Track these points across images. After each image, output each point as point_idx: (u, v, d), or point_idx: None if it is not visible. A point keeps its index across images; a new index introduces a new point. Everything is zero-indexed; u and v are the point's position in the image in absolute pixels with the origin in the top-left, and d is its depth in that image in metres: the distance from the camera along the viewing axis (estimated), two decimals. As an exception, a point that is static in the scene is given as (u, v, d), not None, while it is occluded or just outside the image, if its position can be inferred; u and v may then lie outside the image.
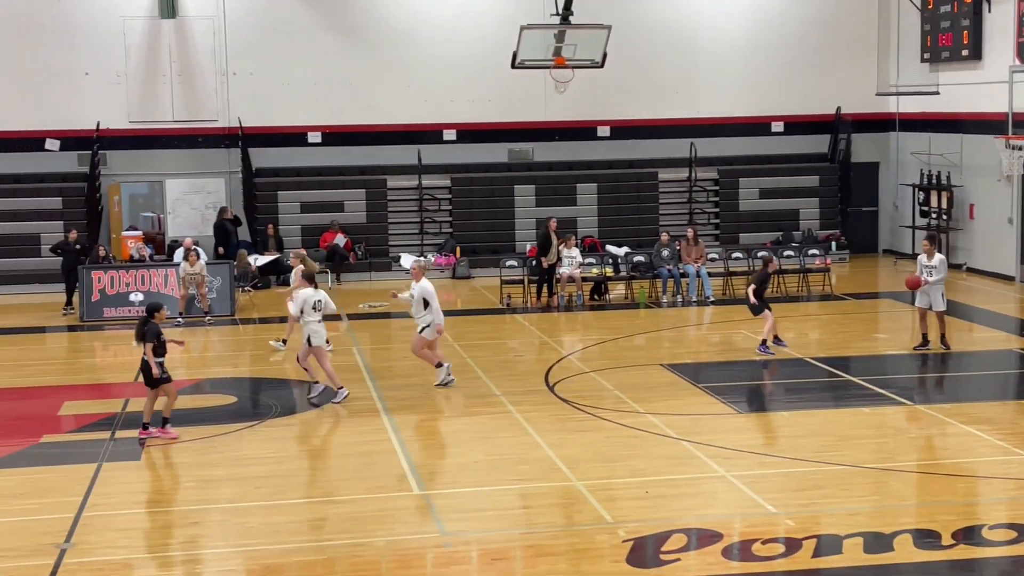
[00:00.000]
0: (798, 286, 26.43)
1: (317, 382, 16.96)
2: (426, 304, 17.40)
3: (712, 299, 25.27)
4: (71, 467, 13.65)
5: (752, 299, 19.69)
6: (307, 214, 31.24)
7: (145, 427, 14.78)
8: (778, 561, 10.50)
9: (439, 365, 17.78)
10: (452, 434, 15.04)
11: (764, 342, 19.57)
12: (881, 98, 32.46)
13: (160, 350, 14.83)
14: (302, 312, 16.90)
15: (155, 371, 14.71)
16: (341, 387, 16.72)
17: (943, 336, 19.56)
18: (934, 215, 30.23)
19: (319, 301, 16.82)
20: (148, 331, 14.82)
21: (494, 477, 13.09)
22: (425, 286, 17.55)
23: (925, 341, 19.60)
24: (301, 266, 20.45)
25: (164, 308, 15.55)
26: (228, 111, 31.07)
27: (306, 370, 17.00)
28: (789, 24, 33.11)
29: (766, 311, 19.73)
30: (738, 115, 32.96)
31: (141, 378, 15.21)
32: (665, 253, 26.26)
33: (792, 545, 10.79)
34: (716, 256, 27.85)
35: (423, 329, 17.47)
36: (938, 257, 19.47)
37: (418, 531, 11.34)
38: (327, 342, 17.50)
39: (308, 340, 16.63)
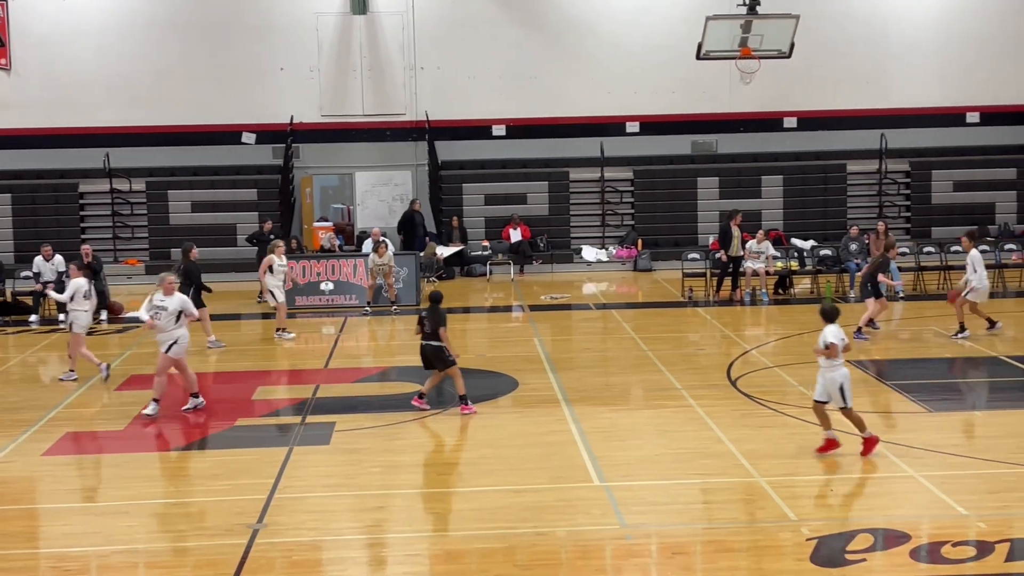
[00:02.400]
0: (993, 282, 25.48)
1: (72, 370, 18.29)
2: (178, 318, 15.89)
3: (902, 294, 24.61)
4: (264, 450, 14.10)
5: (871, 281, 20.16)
6: (490, 206, 31.61)
7: (464, 400, 15.67)
8: (968, 564, 10.18)
9: (193, 395, 16.24)
10: (633, 427, 15.01)
11: (859, 329, 19.86)
12: (1084, 86, 31.11)
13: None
14: (72, 298, 18.19)
15: (453, 354, 15.63)
16: (100, 363, 18.15)
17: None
18: None
19: (87, 291, 18.26)
20: (441, 317, 15.54)
21: (675, 471, 13.03)
22: (182, 300, 16.05)
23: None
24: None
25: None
26: (416, 105, 31.65)
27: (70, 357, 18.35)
28: (984, 9, 32.00)
29: (872, 299, 20.09)
30: (931, 105, 32.04)
31: (423, 363, 15.95)
32: (853, 247, 25.69)
33: (984, 548, 10.44)
34: (907, 250, 27.12)
35: (171, 347, 15.78)
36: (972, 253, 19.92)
37: (599, 523, 11.36)
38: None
39: (71, 326, 18.24)
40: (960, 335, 19.83)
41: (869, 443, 13.15)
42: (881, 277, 20.18)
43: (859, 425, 13.21)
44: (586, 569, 10.26)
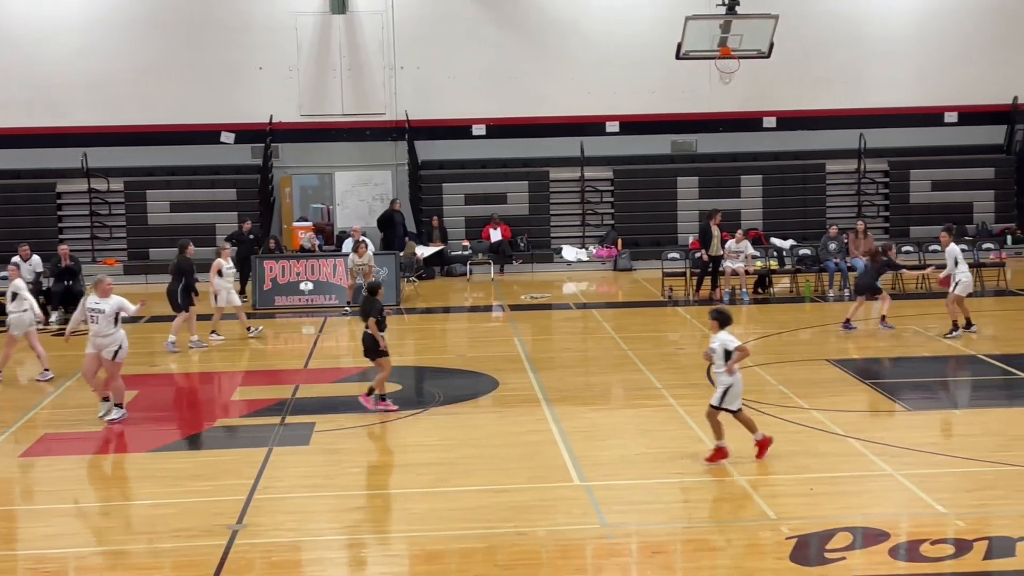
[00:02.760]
0: (972, 281, 25.63)
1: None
2: (116, 320, 15.54)
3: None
4: (243, 451, 14.06)
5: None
6: (471, 206, 31.59)
7: (372, 393, 15.82)
8: (947, 563, 10.22)
9: (105, 399, 15.74)
10: (613, 426, 15.02)
11: (847, 321, 20.82)
12: (1061, 87, 31.30)
13: (382, 325, 15.70)
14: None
15: (382, 344, 15.63)
16: None
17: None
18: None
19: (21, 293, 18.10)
20: (372, 308, 15.62)
21: (655, 470, 13.04)
22: (119, 302, 15.59)
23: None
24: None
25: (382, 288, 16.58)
26: (395, 104, 31.62)
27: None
28: (962, 10, 32.17)
29: (862, 298, 21.09)
30: (909, 105, 32.19)
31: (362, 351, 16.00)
32: (832, 246, 25.77)
33: (962, 547, 10.48)
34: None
35: (116, 353, 15.47)
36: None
37: (579, 522, 11.37)
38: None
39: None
40: (952, 334, 19.86)
41: (763, 444, 13.09)
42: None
43: (750, 427, 13.09)
44: (566, 569, 10.26)
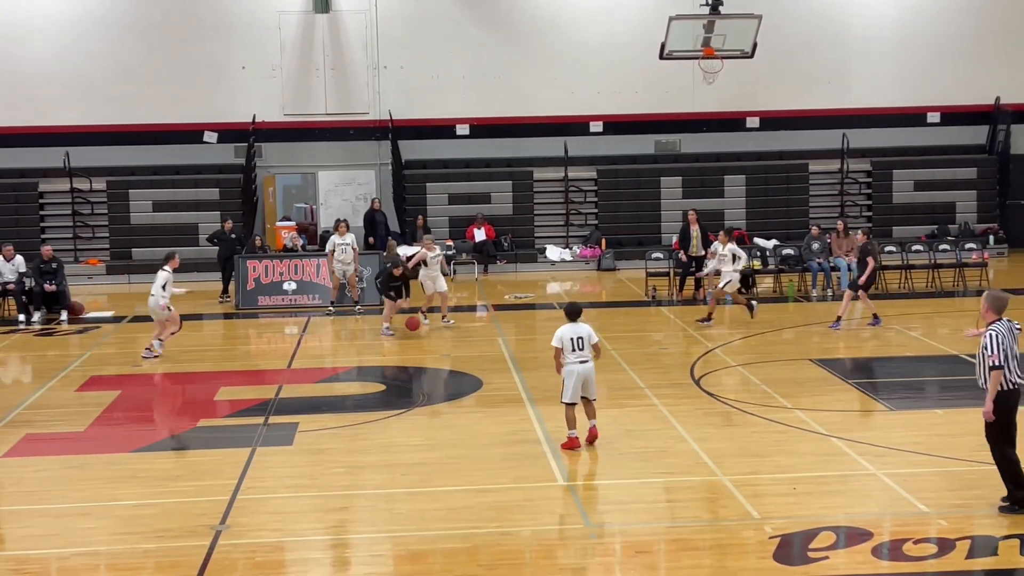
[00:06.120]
0: (954, 281, 25.76)
1: None
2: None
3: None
4: (226, 451, 14.02)
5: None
6: (454, 205, 31.58)
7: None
8: (930, 562, 10.25)
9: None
10: (597, 426, 15.02)
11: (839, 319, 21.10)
12: (1043, 87, 31.43)
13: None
14: None
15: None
16: None
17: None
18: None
19: None
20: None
21: (639, 470, 13.05)
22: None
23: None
24: None
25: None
26: (379, 104, 31.59)
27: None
28: (945, 11, 32.30)
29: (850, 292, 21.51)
30: (892, 105, 32.30)
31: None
32: (815, 246, 25.83)
33: (945, 546, 10.52)
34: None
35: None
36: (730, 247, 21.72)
37: (563, 522, 11.37)
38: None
39: None
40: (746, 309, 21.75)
41: (571, 442, 13.59)
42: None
43: (570, 422, 13.62)
44: (550, 569, 10.26)
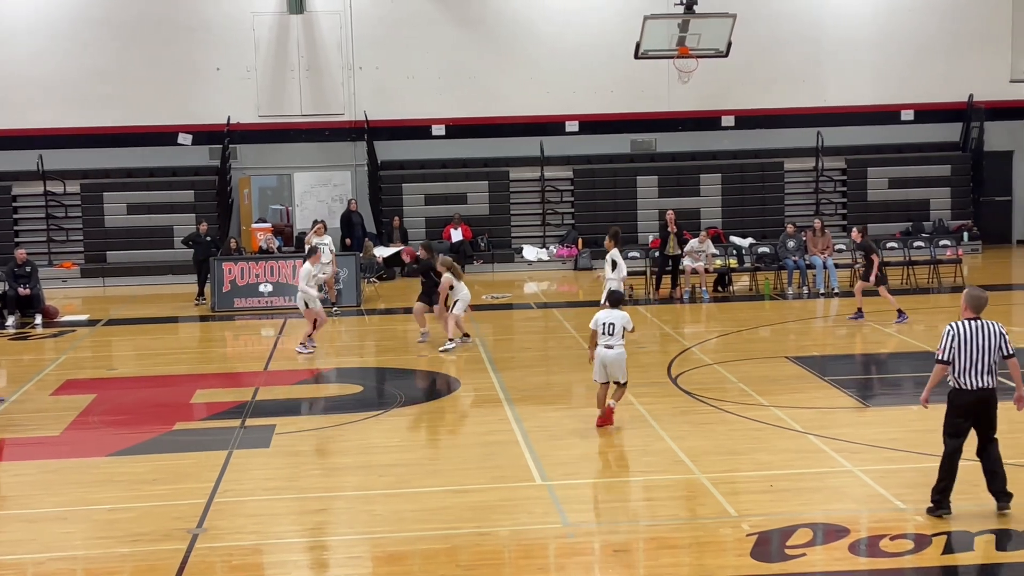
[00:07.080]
0: (929, 277, 25.89)
1: None
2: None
3: (838, 291, 24.87)
4: (203, 454, 13.95)
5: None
6: (431, 206, 31.56)
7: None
8: (907, 557, 10.29)
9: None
10: (574, 425, 15.03)
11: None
12: (1015, 85, 31.66)
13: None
14: None
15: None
16: None
17: None
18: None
19: None
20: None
21: (616, 469, 13.06)
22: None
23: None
24: None
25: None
26: (354, 105, 31.52)
27: None
28: (919, 9, 32.46)
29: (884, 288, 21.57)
30: (866, 103, 32.44)
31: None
32: (791, 244, 25.92)
33: (921, 541, 10.57)
34: (843, 247, 27.41)
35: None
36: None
37: (541, 522, 11.37)
38: None
39: None
40: None
41: (599, 421, 14.52)
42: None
43: (599, 401, 14.60)
44: (529, 568, 10.26)
